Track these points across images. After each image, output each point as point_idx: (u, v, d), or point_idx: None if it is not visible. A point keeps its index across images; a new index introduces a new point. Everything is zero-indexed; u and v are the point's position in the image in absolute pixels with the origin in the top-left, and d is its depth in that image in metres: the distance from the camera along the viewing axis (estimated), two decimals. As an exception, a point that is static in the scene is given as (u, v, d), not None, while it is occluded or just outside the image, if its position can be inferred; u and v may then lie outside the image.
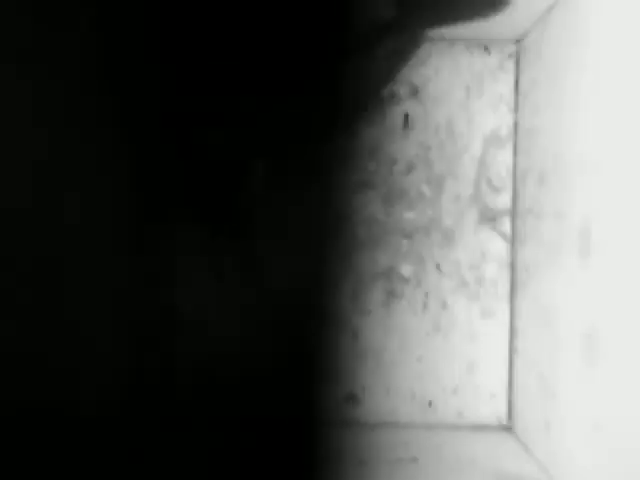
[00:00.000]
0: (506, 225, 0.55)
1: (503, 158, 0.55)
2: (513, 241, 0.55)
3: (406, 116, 0.55)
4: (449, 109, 0.56)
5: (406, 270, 0.55)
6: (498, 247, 0.55)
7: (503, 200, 0.55)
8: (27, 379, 0.33)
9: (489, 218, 0.55)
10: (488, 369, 0.55)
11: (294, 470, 0.44)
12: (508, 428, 0.54)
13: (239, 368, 0.53)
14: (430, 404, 0.55)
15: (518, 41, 0.55)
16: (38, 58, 0.33)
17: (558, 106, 0.45)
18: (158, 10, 0.46)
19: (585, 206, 0.39)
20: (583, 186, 0.40)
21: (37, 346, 0.34)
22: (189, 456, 0.45)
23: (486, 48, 0.56)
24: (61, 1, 0.35)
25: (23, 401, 0.33)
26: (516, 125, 0.55)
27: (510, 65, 0.55)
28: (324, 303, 0.55)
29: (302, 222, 0.54)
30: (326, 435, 0.51)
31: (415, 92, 0.55)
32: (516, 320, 0.54)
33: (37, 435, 0.34)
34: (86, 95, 0.39)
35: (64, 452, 0.36)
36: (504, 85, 0.56)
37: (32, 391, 0.33)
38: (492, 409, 0.55)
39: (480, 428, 0.54)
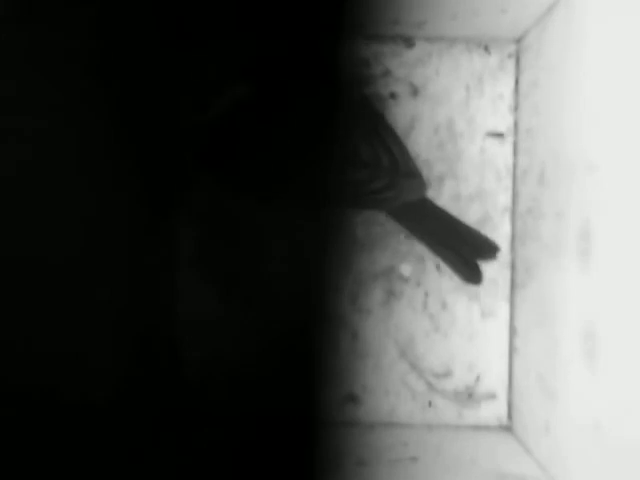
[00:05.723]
0: (506, 225, 0.55)
1: (503, 158, 0.55)
2: (513, 241, 0.55)
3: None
4: (449, 109, 0.56)
5: (406, 270, 0.55)
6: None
7: (503, 200, 0.55)
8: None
9: (489, 218, 0.55)
10: (488, 369, 0.55)
11: (294, 470, 0.44)
12: (508, 428, 0.54)
13: (238, 367, 0.53)
14: (430, 404, 0.55)
15: (518, 41, 0.55)
16: None
17: (558, 106, 0.45)
18: None
19: (585, 206, 0.39)
20: (583, 186, 0.40)
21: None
22: (187, 455, 0.45)
23: (486, 48, 0.56)
24: None
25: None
26: (516, 125, 0.55)
27: (510, 65, 0.55)
28: (324, 303, 0.55)
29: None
30: (326, 435, 0.51)
31: (415, 92, 0.55)
32: (516, 320, 0.54)
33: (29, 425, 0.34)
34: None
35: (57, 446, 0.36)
36: (504, 85, 0.55)
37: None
38: (492, 409, 0.55)
39: (480, 428, 0.54)
